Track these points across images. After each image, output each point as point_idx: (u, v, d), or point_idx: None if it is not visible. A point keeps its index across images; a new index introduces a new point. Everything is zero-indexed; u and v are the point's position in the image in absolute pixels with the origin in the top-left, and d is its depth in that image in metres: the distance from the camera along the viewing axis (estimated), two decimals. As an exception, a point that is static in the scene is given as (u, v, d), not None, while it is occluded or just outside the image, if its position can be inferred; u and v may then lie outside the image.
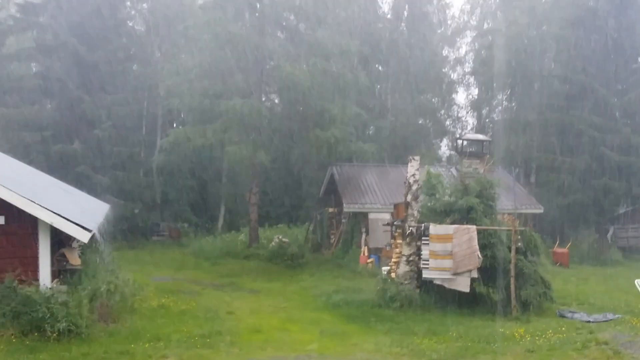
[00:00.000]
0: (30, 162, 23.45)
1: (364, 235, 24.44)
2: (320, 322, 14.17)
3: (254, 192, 27.67)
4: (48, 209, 12.19)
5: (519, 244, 15.53)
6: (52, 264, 12.71)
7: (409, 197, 16.44)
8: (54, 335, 11.06)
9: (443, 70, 43.20)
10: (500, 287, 15.29)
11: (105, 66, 30.86)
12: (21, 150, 26.51)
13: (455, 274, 15.07)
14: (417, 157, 16.91)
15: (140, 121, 35.04)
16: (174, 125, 37.00)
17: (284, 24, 28.07)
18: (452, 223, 15.68)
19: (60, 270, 13.33)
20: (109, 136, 29.99)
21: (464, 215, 15.99)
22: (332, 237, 27.34)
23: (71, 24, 30.29)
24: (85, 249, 15.31)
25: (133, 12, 38.11)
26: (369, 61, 35.39)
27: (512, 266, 15.06)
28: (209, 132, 25.51)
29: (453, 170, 28.59)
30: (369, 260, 22.66)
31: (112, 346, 11.09)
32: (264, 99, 27.88)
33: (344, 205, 25.25)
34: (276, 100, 30.31)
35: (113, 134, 30.19)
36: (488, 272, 15.46)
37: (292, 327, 13.46)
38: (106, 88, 31.04)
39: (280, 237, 25.55)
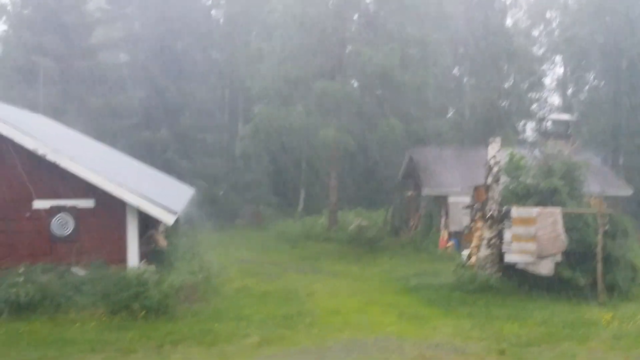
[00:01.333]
0: (120, 149, 24.48)
1: (443, 219, 24.11)
2: (399, 305, 14.13)
3: (333, 176, 27.83)
4: (135, 193, 12.74)
5: (607, 227, 14.88)
6: (140, 246, 13.28)
7: (489, 180, 16.05)
8: (142, 314, 11.55)
9: (526, 49, 41.71)
10: (586, 272, 14.72)
11: (189, 54, 31.73)
12: (110, 138, 27.69)
13: (539, 257, 14.63)
14: (497, 139, 16.47)
15: (222, 107, 35.89)
16: (255, 110, 37.67)
17: (364, 8, 27.92)
18: (536, 206, 15.22)
19: (147, 252, 13.90)
20: (194, 122, 30.90)
21: (548, 198, 15.47)
22: (410, 220, 27.13)
23: (156, 14, 31.29)
24: (170, 231, 15.89)
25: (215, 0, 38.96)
26: (447, 44, 34.67)
27: (599, 250, 14.47)
28: (291, 116, 25.80)
29: (536, 152, 27.59)
30: (448, 244, 22.37)
31: (196, 325, 11.48)
32: (344, 82, 27.89)
33: (423, 188, 24.96)
34: (355, 84, 30.26)
35: (197, 120, 31.08)
36: (573, 256, 14.89)
37: (370, 310, 13.50)
38: (190, 76, 31.94)
39: (359, 220, 25.58)
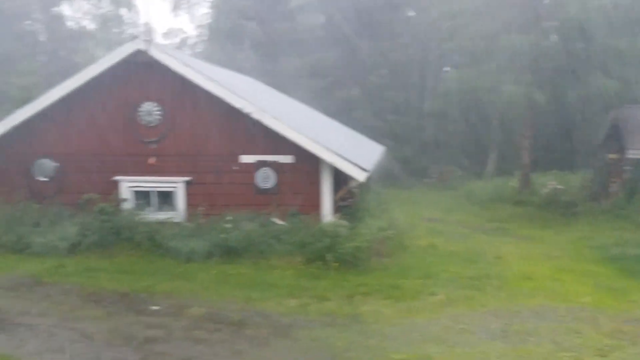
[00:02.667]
0: (317, 108, 25.61)
1: (650, 185, 22.12)
2: (595, 274, 13.42)
3: (526, 136, 26.67)
4: (330, 150, 13.38)
5: None
6: (333, 200, 13.98)
7: None
8: (335, 264, 12.23)
9: None
10: None
11: (382, 13, 31.92)
12: (309, 97, 29.01)
13: None
14: None
15: (413, 66, 35.74)
16: (447, 70, 37.01)
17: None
18: None
19: (340, 207, 14.58)
20: (385, 82, 31.23)
21: None
22: (611, 185, 25.21)
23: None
24: (362, 187, 16.46)
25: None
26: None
27: None
28: (483, 74, 25.08)
29: None
30: (655, 212, 20.54)
31: (384, 279, 11.89)
32: (541, 36, 26.35)
33: (628, 151, 23.02)
34: (554, 38, 28.42)
35: (388, 79, 31.37)
36: None
37: (564, 277, 12.98)
38: (383, 35, 32.20)
39: (554, 183, 24.37)
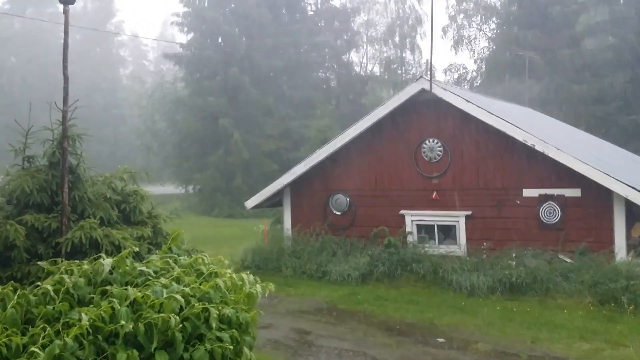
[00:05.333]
0: (601, 136, 23.93)
1: None
2: None
3: None
4: (622, 182, 12.43)
5: None
6: (627, 237, 12.90)
7: None
8: (631, 308, 11.26)
9: None
10: None
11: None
12: (593, 124, 27.24)
13: None
14: None
15: None
16: None
17: None
18: None
19: (635, 244, 13.39)
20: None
21: None
22: None
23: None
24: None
25: None
26: None
27: None
28: None
29: None
30: None
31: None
32: None
33: None
34: None
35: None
36: None
37: None
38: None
39: None
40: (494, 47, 39.23)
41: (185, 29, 42.00)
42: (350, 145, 15.61)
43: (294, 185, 16.46)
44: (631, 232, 13.12)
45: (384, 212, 15.27)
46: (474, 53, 47.05)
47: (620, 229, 12.82)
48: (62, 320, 4.23)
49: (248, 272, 5.37)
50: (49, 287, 4.47)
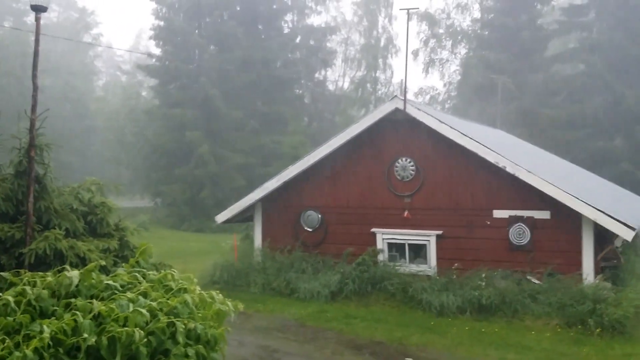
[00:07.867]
0: (571, 160, 24.33)
1: None
2: None
3: None
4: (590, 205, 12.58)
5: None
6: (594, 261, 13.04)
7: None
8: (597, 330, 11.35)
9: None
10: None
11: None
12: (562, 148, 27.69)
13: None
14: None
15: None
16: None
17: None
18: None
19: (601, 267, 13.54)
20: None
21: None
22: None
23: (616, 20, 30.05)
24: (627, 247, 15.12)
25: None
26: None
27: None
28: None
29: None
30: None
31: (658, 350, 10.72)
32: None
33: None
34: None
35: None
36: None
37: None
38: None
39: None
40: (465, 70, 39.79)
41: (161, 42, 41.78)
42: (324, 162, 15.56)
43: (266, 200, 16.33)
44: (599, 256, 13.27)
45: (355, 229, 15.21)
46: (445, 76, 47.63)
47: (589, 252, 12.96)
48: (22, 332, 4.10)
49: (217, 291, 5.32)
50: (10, 298, 4.32)
